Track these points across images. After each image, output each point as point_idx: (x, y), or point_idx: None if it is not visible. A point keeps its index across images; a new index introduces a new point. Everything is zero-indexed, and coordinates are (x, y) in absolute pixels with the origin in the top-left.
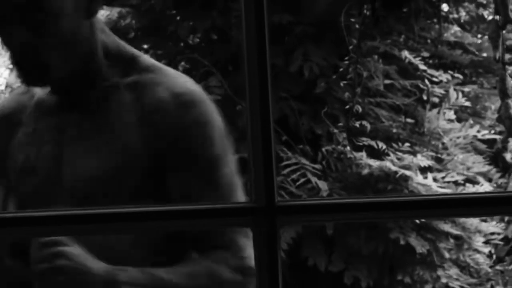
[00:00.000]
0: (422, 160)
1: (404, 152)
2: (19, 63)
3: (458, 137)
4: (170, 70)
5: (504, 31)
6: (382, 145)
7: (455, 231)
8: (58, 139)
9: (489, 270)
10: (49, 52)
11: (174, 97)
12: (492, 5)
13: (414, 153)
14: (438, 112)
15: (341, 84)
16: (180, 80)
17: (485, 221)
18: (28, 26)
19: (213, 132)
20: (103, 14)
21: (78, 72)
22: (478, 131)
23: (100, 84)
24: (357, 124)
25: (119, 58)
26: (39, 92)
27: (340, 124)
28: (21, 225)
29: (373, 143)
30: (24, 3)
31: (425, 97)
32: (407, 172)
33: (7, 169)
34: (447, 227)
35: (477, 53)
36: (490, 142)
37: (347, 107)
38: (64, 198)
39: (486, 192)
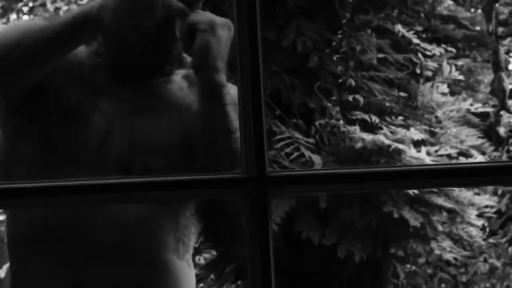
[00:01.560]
0: (416, 133)
1: (397, 125)
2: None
3: (451, 111)
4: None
5: (497, 4)
6: (375, 119)
7: (448, 204)
8: (113, 111)
9: (482, 243)
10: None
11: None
12: None
13: (407, 127)
14: (432, 86)
15: (334, 58)
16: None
17: (478, 194)
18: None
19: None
20: None
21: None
22: (471, 105)
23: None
24: (350, 98)
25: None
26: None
27: (333, 98)
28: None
29: (366, 117)
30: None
31: (418, 71)
32: (401, 146)
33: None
34: (440, 200)
35: (470, 26)
36: (483, 116)
37: (340, 81)
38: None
39: (477, 162)
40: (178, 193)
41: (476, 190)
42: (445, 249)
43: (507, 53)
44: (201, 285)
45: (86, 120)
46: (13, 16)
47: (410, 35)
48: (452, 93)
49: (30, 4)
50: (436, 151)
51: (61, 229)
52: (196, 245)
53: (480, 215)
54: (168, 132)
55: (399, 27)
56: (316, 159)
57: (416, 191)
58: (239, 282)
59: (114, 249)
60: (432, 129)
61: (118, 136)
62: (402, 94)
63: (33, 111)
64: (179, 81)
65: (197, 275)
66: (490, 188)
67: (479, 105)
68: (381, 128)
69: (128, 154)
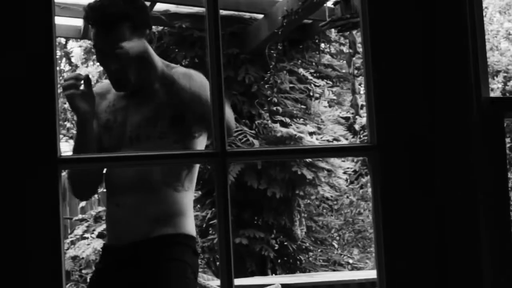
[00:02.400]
0: (310, 128)
1: (300, 123)
2: (112, 79)
3: (329, 116)
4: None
5: (354, 58)
6: (288, 120)
7: (327, 166)
8: (126, 110)
9: (346, 188)
10: (129, 72)
11: (193, 74)
12: (347, 44)
13: (305, 124)
14: (318, 102)
15: (266, 86)
16: (194, 70)
17: (344, 161)
18: (117, 60)
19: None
20: None
21: (144, 80)
22: (340, 112)
23: (153, 81)
24: (274, 108)
25: (164, 73)
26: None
27: (265, 108)
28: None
29: (283, 118)
30: (115, 48)
31: (311, 94)
32: (302, 135)
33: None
34: (323, 164)
35: (339, 70)
36: (346, 118)
37: (269, 99)
38: (126, 142)
39: (340, 144)
40: (174, 160)
41: (343, 159)
42: (325, 191)
43: (359, 84)
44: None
45: (112, 123)
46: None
47: (307, 74)
48: (329, 106)
49: None
50: (321, 137)
51: (115, 179)
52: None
53: (344, 172)
54: (151, 117)
55: (301, 70)
56: (256, 142)
57: (310, 159)
58: (213, 209)
59: (140, 186)
60: (319, 126)
61: (128, 122)
62: (303, 106)
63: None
64: (157, 84)
65: None
66: (350, 157)
67: (344, 113)
68: (291, 125)
69: (130, 133)
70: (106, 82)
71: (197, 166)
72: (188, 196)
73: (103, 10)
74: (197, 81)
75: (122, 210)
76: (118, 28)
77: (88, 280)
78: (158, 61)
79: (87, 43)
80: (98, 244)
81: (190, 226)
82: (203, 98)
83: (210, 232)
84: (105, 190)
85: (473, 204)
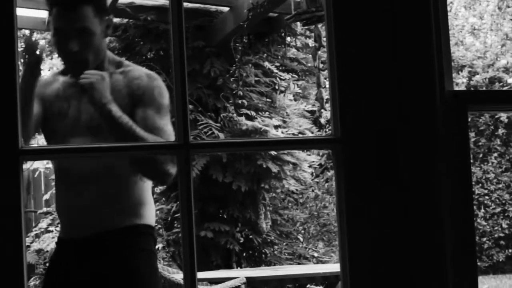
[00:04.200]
0: (275, 121)
1: (265, 117)
2: (70, 61)
3: (295, 109)
4: (139, 66)
5: (319, 52)
6: (253, 113)
7: (292, 160)
8: (79, 97)
9: (311, 181)
10: (87, 54)
11: (145, 74)
12: (313, 37)
13: (270, 118)
14: (284, 95)
15: (231, 80)
16: (146, 69)
17: (309, 155)
18: (78, 41)
19: (164, 93)
20: None
21: (98, 66)
22: (306, 106)
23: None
24: (239, 102)
25: (115, 61)
26: (61, 77)
27: (230, 101)
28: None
29: (248, 112)
30: (78, 28)
31: (277, 87)
32: (267, 128)
33: (44, 108)
34: (288, 157)
35: (305, 63)
36: (312, 112)
37: (234, 92)
38: (83, 131)
39: (304, 136)
40: (136, 152)
41: (308, 152)
42: (291, 184)
43: (324, 78)
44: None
45: (66, 110)
46: None
47: (272, 67)
48: (295, 100)
49: None
50: (287, 131)
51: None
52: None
53: (310, 166)
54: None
55: (266, 63)
56: (221, 135)
57: (275, 152)
58: (178, 202)
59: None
60: (285, 119)
61: (83, 115)
62: (268, 100)
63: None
64: (116, 76)
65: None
66: (315, 151)
67: (310, 106)
68: (256, 118)
69: (88, 122)
70: (48, 74)
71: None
72: (150, 185)
73: None
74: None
75: (82, 200)
76: (81, 9)
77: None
78: (106, 65)
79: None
80: None
81: (152, 215)
82: (159, 105)
83: (175, 225)
84: (54, 179)
85: (437, 197)
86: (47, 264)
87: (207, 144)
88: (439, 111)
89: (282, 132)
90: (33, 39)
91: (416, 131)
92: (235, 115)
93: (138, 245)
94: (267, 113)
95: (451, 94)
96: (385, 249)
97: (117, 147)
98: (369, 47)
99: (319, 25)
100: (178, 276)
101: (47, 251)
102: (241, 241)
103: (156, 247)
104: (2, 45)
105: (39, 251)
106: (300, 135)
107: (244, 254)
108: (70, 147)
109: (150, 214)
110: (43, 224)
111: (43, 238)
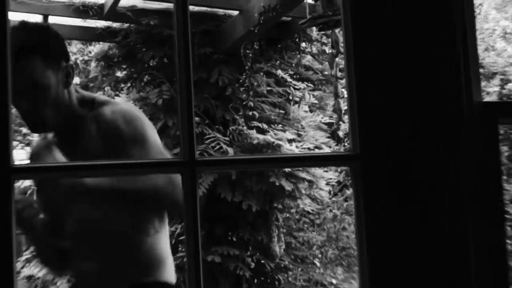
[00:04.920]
0: (289, 135)
1: (278, 130)
2: (26, 120)
3: (310, 121)
4: (115, 100)
5: (337, 59)
6: (265, 126)
7: (308, 177)
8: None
9: (329, 200)
10: (44, 111)
11: (118, 114)
12: (330, 44)
13: (284, 131)
14: (298, 106)
15: (241, 89)
16: (121, 105)
17: (326, 171)
18: (30, 97)
19: (142, 124)
20: (100, 47)
21: (66, 116)
22: (322, 118)
23: (76, 119)
24: (250, 113)
25: (86, 101)
26: (49, 136)
27: (240, 113)
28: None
29: (259, 124)
30: (26, 83)
31: (290, 98)
32: (280, 142)
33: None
34: (303, 174)
35: (321, 72)
36: (329, 125)
37: (244, 103)
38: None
39: (320, 152)
40: (139, 170)
41: (326, 169)
42: (306, 204)
43: (343, 88)
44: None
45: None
46: None
47: (286, 76)
48: (311, 111)
49: None
50: (301, 145)
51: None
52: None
53: (327, 184)
54: (90, 152)
55: (279, 71)
56: (230, 150)
57: (289, 169)
58: (183, 223)
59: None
60: (299, 132)
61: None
62: (281, 111)
63: None
64: (89, 122)
65: None
66: (333, 167)
67: (327, 118)
68: (268, 131)
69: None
70: (38, 140)
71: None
72: (163, 237)
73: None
74: (131, 123)
75: (88, 276)
76: (26, 61)
77: None
78: (75, 104)
79: None
80: None
81: (170, 272)
82: (142, 141)
83: (180, 249)
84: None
85: (462, 218)
86: None
87: (215, 161)
88: (466, 124)
89: (297, 147)
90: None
91: (441, 146)
92: (245, 128)
93: None
94: (280, 125)
95: (480, 106)
96: (409, 274)
97: (117, 165)
98: (390, 54)
99: (336, 30)
100: None
101: (38, 278)
102: (252, 266)
103: None
104: None
105: (29, 278)
106: (316, 150)
107: (256, 281)
108: (65, 165)
109: (165, 270)
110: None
111: (34, 264)
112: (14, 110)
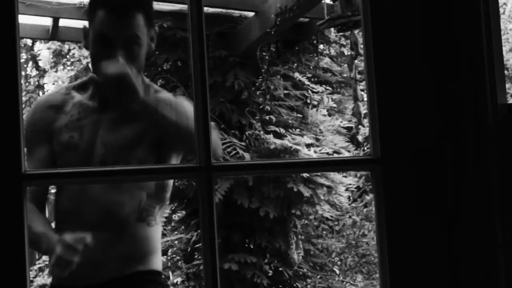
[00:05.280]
0: (307, 139)
1: (296, 134)
2: (110, 76)
3: (329, 125)
4: (165, 92)
5: (356, 61)
6: (282, 130)
7: (326, 183)
8: (96, 127)
9: (348, 206)
10: (132, 67)
11: (173, 102)
12: (349, 45)
13: (302, 135)
14: (317, 110)
15: (257, 93)
16: (171, 95)
17: (345, 176)
18: (126, 52)
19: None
20: None
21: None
22: (341, 122)
23: (134, 91)
24: (267, 118)
25: (143, 82)
26: (77, 95)
27: (257, 117)
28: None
29: (277, 129)
30: (126, 38)
31: (308, 101)
32: (298, 147)
33: (52, 139)
34: (322, 180)
35: (340, 74)
36: (348, 129)
37: (261, 107)
38: (96, 165)
39: (340, 156)
40: (156, 176)
41: (344, 174)
42: (325, 210)
43: (362, 90)
44: (176, 233)
45: (76, 145)
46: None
47: (303, 79)
48: (329, 115)
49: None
50: (320, 150)
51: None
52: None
53: (346, 189)
54: (132, 141)
55: (297, 74)
56: (246, 155)
57: (307, 174)
58: (199, 231)
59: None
60: (317, 136)
61: (98, 147)
62: (299, 115)
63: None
64: (143, 105)
65: (173, 226)
66: (352, 172)
67: (346, 122)
68: (286, 136)
69: (104, 156)
70: (58, 92)
71: (168, 198)
72: (159, 229)
73: None
74: (181, 112)
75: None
76: (133, 15)
77: None
78: (140, 85)
79: (56, 44)
80: None
81: (160, 261)
82: (185, 129)
83: (196, 256)
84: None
85: (490, 224)
86: None
87: (232, 166)
88: (490, 127)
89: (315, 152)
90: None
91: (465, 150)
92: (262, 132)
93: None
94: (298, 130)
95: (505, 108)
96: (432, 282)
97: (132, 170)
98: (411, 55)
99: (356, 31)
100: None
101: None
102: (270, 274)
103: None
104: (2, 59)
105: (43, 287)
106: (335, 155)
107: None
108: (79, 171)
109: (158, 259)
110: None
111: (47, 272)
112: None
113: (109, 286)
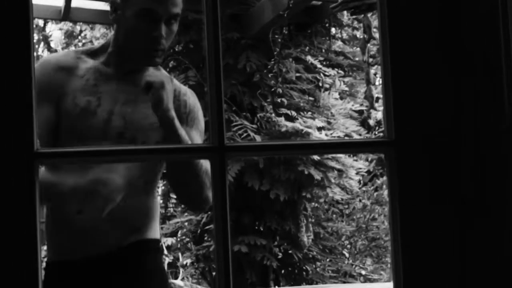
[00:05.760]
0: (318, 123)
1: (307, 117)
2: (155, 46)
3: (340, 109)
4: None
5: (368, 44)
6: (294, 113)
7: (337, 166)
8: (115, 96)
9: (358, 190)
10: (168, 42)
11: (189, 91)
12: (362, 28)
13: (313, 118)
14: (329, 94)
15: (269, 76)
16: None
17: (356, 160)
18: (168, 28)
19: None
20: None
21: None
22: (353, 105)
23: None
24: (278, 100)
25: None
26: (89, 60)
27: (268, 100)
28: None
29: (288, 112)
30: (172, 14)
31: (320, 84)
32: (309, 130)
33: (60, 102)
34: (333, 163)
35: (352, 58)
36: (360, 112)
37: (273, 89)
38: (112, 136)
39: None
40: (169, 156)
41: (355, 158)
42: (336, 193)
43: (374, 74)
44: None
45: (94, 107)
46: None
47: (315, 62)
48: (341, 98)
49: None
50: (331, 133)
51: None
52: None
53: (357, 173)
54: (148, 116)
55: (309, 57)
56: (258, 138)
57: (318, 157)
58: (209, 213)
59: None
60: (329, 120)
61: (116, 117)
62: (311, 98)
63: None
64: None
65: (183, 207)
66: (363, 156)
67: (357, 105)
68: (297, 119)
69: (121, 129)
70: (68, 55)
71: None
72: (158, 199)
73: None
74: (194, 101)
75: (87, 219)
76: None
77: None
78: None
79: (68, 25)
80: None
81: (158, 229)
82: (200, 118)
83: (206, 238)
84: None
85: (501, 216)
86: None
87: (244, 147)
88: (507, 120)
89: (326, 135)
90: None
91: (480, 134)
92: (273, 115)
93: (153, 262)
94: (309, 113)
95: None
96: (445, 267)
97: (146, 150)
98: (428, 38)
99: (369, 15)
100: None
101: None
102: (279, 257)
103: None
104: (16, 39)
105: None
106: (341, 138)
107: (283, 271)
108: (93, 150)
109: (157, 227)
110: None
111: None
112: None
113: (109, 257)
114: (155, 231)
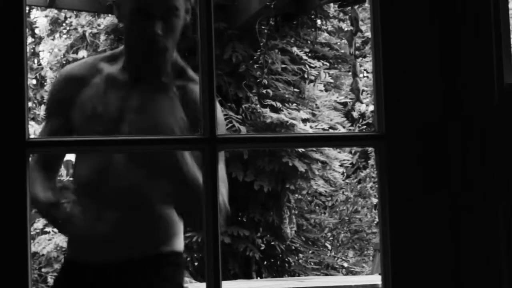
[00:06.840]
0: (303, 114)
1: (292, 109)
2: (153, 45)
3: (325, 101)
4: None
5: (355, 37)
6: (279, 104)
7: (321, 158)
8: (123, 104)
9: (342, 182)
10: (169, 40)
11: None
12: (348, 21)
13: (298, 110)
14: (314, 85)
15: (255, 67)
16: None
17: (340, 152)
18: (164, 24)
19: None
20: (110, 20)
21: (161, 67)
22: (337, 97)
23: (166, 77)
24: (264, 91)
25: (176, 64)
26: (107, 67)
27: (254, 91)
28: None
29: (273, 103)
30: (167, 8)
31: (305, 76)
32: (294, 121)
33: (71, 113)
34: (317, 155)
35: (338, 49)
36: (344, 104)
37: (258, 80)
38: None
39: (343, 132)
40: (160, 147)
41: (339, 150)
42: (319, 185)
43: (360, 66)
44: None
45: (102, 120)
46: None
47: (301, 53)
48: (326, 90)
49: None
50: (316, 125)
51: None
52: None
53: (341, 165)
54: (161, 124)
55: (295, 49)
56: (243, 129)
57: (302, 149)
58: None
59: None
60: (314, 112)
61: (124, 125)
62: (296, 90)
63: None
64: (172, 90)
65: None
66: (347, 148)
67: (342, 97)
68: (282, 110)
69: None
70: (85, 63)
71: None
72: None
73: None
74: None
75: (105, 226)
76: None
77: (50, 281)
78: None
79: (53, 12)
80: (61, 240)
81: (182, 242)
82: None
83: (188, 228)
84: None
85: (492, 204)
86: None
87: (236, 139)
88: (496, 106)
89: (311, 127)
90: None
91: (470, 128)
92: (258, 106)
93: (169, 277)
94: (294, 104)
95: (511, 88)
96: (434, 263)
97: (135, 140)
98: (419, 30)
99: (356, 7)
100: (191, 286)
101: (43, 255)
102: (262, 248)
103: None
104: (7, 27)
105: (33, 255)
106: (331, 131)
107: (265, 263)
108: (83, 139)
109: (181, 240)
110: (39, 224)
111: (38, 240)
112: None
113: (128, 266)
114: (178, 244)
